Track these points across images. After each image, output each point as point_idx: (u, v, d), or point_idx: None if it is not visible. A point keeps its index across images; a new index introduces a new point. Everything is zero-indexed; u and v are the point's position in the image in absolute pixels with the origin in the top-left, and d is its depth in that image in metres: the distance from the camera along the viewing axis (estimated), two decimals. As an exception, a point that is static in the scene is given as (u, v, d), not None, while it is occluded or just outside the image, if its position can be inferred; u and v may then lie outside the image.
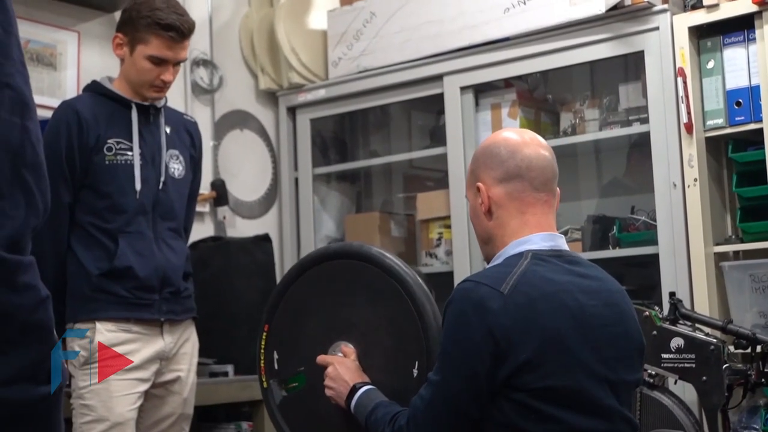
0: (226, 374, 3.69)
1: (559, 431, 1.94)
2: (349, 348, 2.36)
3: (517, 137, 2.16)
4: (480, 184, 2.14)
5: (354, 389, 2.25)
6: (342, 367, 2.30)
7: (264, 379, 2.51)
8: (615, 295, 2.11)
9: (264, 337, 2.51)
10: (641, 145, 3.69)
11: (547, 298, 1.97)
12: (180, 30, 2.91)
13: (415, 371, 2.22)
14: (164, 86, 2.97)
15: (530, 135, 2.18)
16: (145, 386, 2.89)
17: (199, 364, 3.36)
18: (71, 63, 3.76)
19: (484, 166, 2.14)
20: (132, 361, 2.85)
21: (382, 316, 2.33)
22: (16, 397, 1.14)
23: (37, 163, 1.17)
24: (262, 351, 2.51)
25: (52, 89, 3.63)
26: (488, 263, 2.19)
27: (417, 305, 2.25)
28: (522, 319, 1.93)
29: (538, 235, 2.09)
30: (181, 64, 3.03)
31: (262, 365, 2.51)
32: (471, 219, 2.22)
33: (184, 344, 3.03)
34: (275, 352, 2.49)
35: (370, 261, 2.36)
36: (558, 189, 2.19)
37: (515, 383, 1.93)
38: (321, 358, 2.36)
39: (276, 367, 2.48)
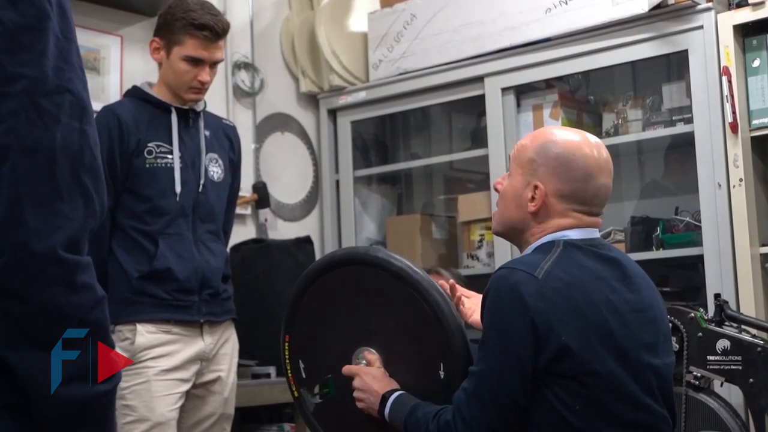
0: (268, 376, 3.70)
1: (605, 421, 1.94)
2: (373, 355, 2.31)
3: (596, 157, 2.11)
4: (540, 185, 2.10)
5: (384, 398, 2.21)
6: (368, 377, 2.25)
7: (294, 389, 2.47)
8: (644, 279, 2.15)
9: (287, 347, 2.47)
10: (685, 145, 3.65)
11: (584, 283, 1.99)
12: (214, 29, 2.94)
13: (441, 373, 2.18)
14: (202, 87, 2.99)
15: (605, 156, 2.14)
16: (185, 386, 2.91)
17: (242, 365, 3.38)
18: (114, 67, 3.79)
19: (554, 172, 2.10)
20: (173, 362, 2.87)
21: (399, 321, 2.28)
22: (74, 395, 1.16)
23: (95, 166, 1.20)
24: (287, 361, 2.47)
25: (96, 93, 3.65)
26: (509, 240, 2.27)
27: (432, 306, 2.19)
28: (559, 302, 1.94)
29: (573, 230, 2.10)
30: (220, 67, 3.05)
31: (289, 375, 2.48)
32: (506, 198, 2.17)
33: (224, 345, 3.04)
34: (300, 361, 2.45)
35: (377, 266, 2.28)
36: None
37: (558, 369, 1.93)
38: (346, 369, 2.31)
39: (303, 375, 2.45)
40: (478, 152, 4.15)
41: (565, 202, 2.09)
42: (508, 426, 1.99)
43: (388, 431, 2.22)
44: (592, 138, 2.18)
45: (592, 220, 2.13)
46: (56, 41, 1.17)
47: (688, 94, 3.55)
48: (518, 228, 2.16)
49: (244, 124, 4.23)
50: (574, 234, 2.09)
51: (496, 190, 2.23)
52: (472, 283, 3.69)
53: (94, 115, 1.28)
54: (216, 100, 3.98)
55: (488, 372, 1.98)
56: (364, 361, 2.32)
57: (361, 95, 4.41)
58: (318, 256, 4.27)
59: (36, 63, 1.14)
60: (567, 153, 2.10)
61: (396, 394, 2.21)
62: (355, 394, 2.27)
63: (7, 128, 1.11)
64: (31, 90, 1.13)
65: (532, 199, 2.10)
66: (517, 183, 2.15)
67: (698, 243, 3.47)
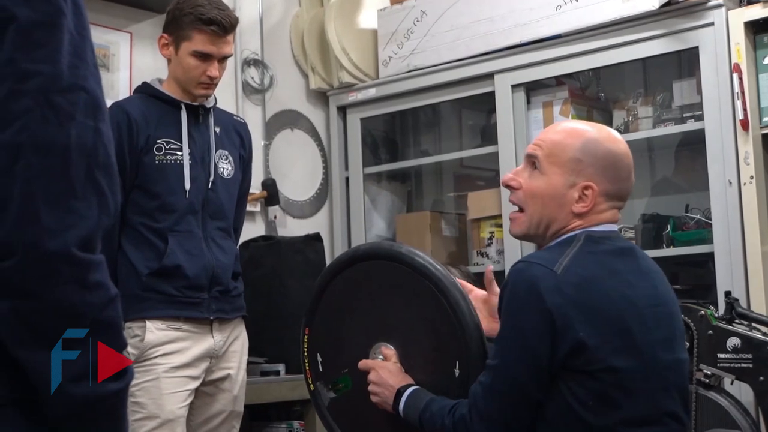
0: (277, 373, 3.69)
1: (616, 418, 1.94)
2: (389, 350, 2.31)
3: (628, 153, 2.13)
4: (593, 186, 2.06)
5: (399, 392, 2.21)
6: (384, 371, 2.25)
7: (310, 382, 2.48)
8: (659, 275, 2.15)
9: (306, 340, 2.48)
10: (695, 142, 3.64)
11: (602, 278, 1.99)
12: (222, 24, 2.95)
13: (457, 371, 2.18)
14: (211, 83, 3.00)
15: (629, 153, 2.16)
16: (195, 384, 2.91)
17: (251, 363, 3.37)
18: (124, 64, 3.79)
19: (604, 173, 2.07)
20: (182, 359, 2.87)
21: (418, 317, 2.28)
22: (84, 393, 1.16)
23: (109, 164, 1.20)
24: (306, 354, 2.48)
25: (105, 90, 3.58)
26: (531, 241, 2.25)
27: (451, 304, 2.19)
28: (577, 297, 1.93)
29: (603, 225, 2.10)
30: (230, 64, 3.05)
31: (307, 368, 2.49)
32: (542, 197, 2.09)
33: (234, 342, 3.04)
34: (318, 354, 2.46)
35: (400, 261, 2.29)
36: None
37: (574, 364, 1.93)
38: (362, 363, 2.32)
39: (321, 369, 2.46)
40: (488, 149, 4.14)
41: (609, 200, 2.09)
42: (523, 420, 1.99)
43: (401, 428, 2.22)
44: (615, 132, 2.19)
45: (618, 215, 2.15)
46: (71, 38, 1.17)
47: (699, 92, 3.54)
48: (553, 227, 2.11)
49: (253, 120, 4.22)
50: (601, 228, 2.08)
51: (511, 187, 2.16)
52: (481, 280, 3.68)
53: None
54: (225, 97, 3.98)
55: (504, 366, 1.98)
56: (380, 356, 2.32)
57: (371, 92, 4.41)
58: (327, 253, 4.27)
59: (50, 60, 1.14)
60: (617, 153, 2.10)
61: (411, 389, 2.21)
62: (370, 387, 2.27)
63: (21, 126, 1.11)
64: (45, 87, 1.13)
65: (580, 198, 2.06)
66: (557, 182, 2.08)
67: (709, 240, 3.46)
